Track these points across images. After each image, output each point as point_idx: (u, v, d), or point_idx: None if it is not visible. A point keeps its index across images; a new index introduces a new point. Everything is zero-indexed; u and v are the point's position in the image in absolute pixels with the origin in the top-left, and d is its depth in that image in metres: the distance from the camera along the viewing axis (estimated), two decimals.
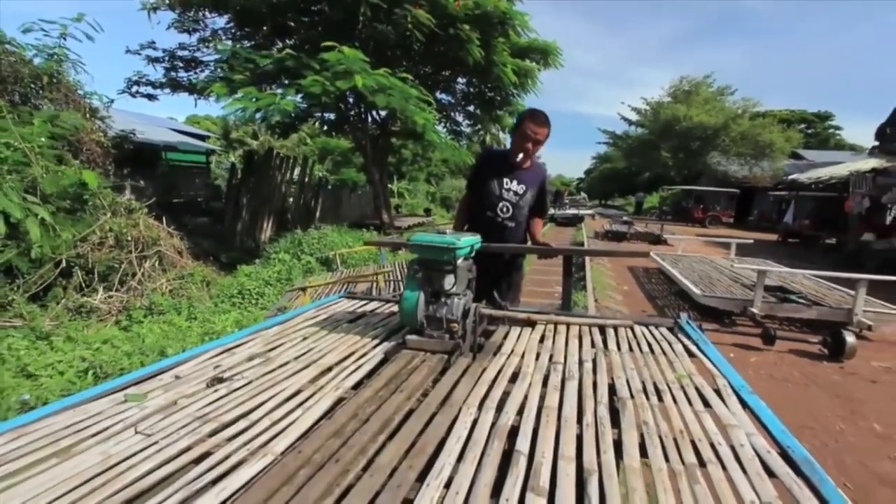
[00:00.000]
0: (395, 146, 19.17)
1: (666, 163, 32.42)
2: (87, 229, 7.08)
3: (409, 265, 2.26)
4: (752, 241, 11.27)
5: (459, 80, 15.73)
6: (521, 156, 2.99)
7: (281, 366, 2.04)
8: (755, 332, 6.01)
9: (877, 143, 15.83)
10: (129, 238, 7.70)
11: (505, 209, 3.12)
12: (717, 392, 1.81)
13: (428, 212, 28.08)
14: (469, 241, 2.35)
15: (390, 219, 17.03)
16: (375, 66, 11.20)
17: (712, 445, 1.45)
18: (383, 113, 14.90)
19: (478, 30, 12.54)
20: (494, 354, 2.20)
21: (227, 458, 1.35)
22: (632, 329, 2.56)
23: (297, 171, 16.82)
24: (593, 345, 2.33)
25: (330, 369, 2.02)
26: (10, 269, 6.15)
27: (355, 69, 10.30)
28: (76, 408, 1.64)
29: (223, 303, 7.77)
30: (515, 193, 3.11)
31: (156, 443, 1.44)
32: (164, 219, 9.20)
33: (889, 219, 10.93)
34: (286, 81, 11.50)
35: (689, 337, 2.43)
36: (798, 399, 4.33)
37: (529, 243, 3.25)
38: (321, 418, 1.62)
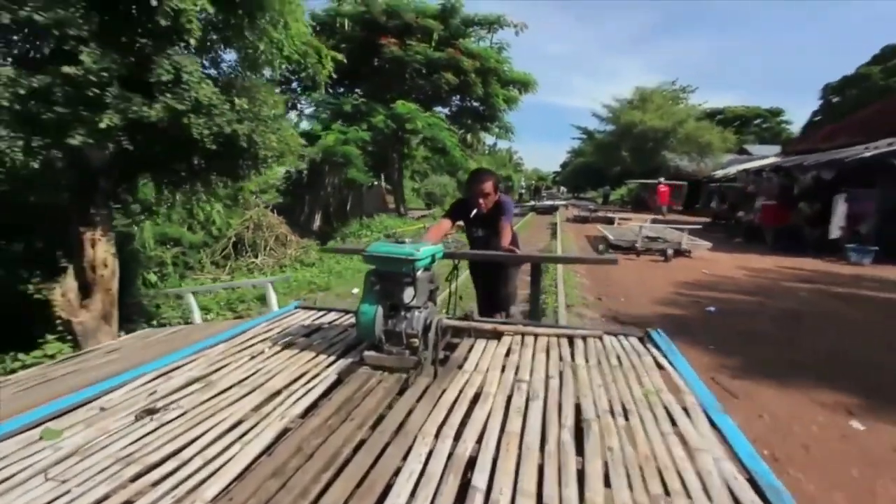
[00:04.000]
0: (409, 155, 24.90)
1: (625, 160, 38.25)
2: (242, 217, 13.01)
3: (366, 277, 2.22)
4: (688, 226, 14.71)
5: (454, 98, 23.58)
6: (478, 209, 3.76)
7: (222, 392, 1.94)
8: (634, 255, 12.18)
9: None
10: (264, 224, 13.01)
11: (479, 243, 3.93)
12: (686, 411, 1.79)
13: (429, 205, 30.17)
14: (429, 251, 2.30)
15: (406, 209, 24.31)
16: (412, 100, 19.80)
17: (679, 473, 1.44)
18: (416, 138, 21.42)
19: (480, 77, 21.02)
20: (459, 368, 2.16)
21: None
22: (601, 340, 2.55)
23: (335, 176, 21.56)
24: (561, 358, 2.31)
25: (277, 394, 1.93)
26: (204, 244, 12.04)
27: (415, 115, 18.78)
28: None
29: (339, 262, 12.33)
30: (480, 239, 3.92)
31: (68, 492, 1.32)
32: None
33: (758, 203, 16.22)
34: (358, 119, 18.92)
35: (658, 348, 2.43)
36: (643, 273, 9.86)
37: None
38: (261, 455, 1.53)
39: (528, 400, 1.87)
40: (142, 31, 5.63)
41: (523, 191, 49.25)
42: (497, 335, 2.59)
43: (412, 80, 20.64)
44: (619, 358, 2.29)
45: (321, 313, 3.02)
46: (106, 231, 6.51)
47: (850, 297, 8.05)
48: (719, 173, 25.83)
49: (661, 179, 29.43)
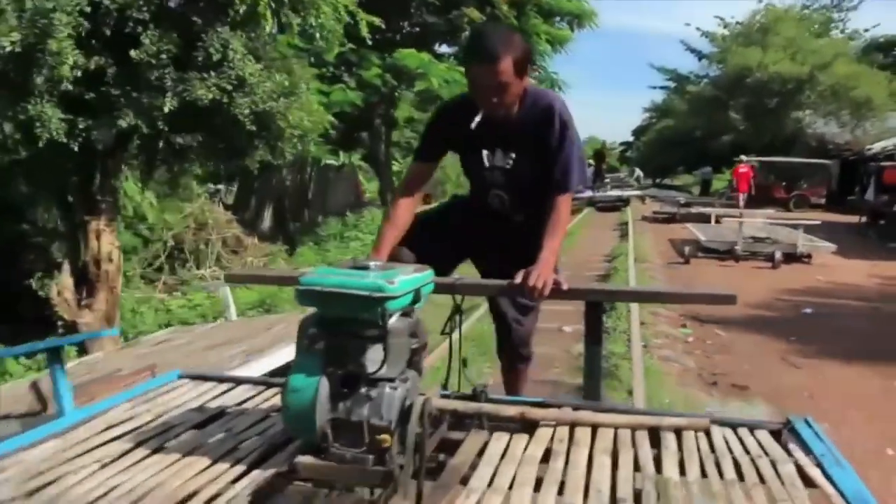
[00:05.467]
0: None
1: (736, 126, 27.65)
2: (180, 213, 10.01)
3: (301, 327, 1.42)
4: (818, 221, 12.04)
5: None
6: (488, 110, 1.96)
7: None
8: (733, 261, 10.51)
9: None
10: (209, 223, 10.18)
11: (498, 200, 2.17)
12: None
13: (426, 197, 24.14)
14: (410, 281, 1.43)
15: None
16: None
17: None
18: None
19: (514, 9, 14.33)
20: (462, 485, 1.37)
21: None
22: (707, 434, 1.68)
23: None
24: (638, 466, 1.50)
25: None
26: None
27: (428, 69, 12.83)
28: None
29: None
30: (503, 170, 2.11)
31: None
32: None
33: None
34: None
35: (806, 450, 1.57)
36: (739, 279, 8.81)
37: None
38: None
39: None
40: (196, 10, 5.67)
41: None
42: (528, 426, 1.71)
43: (420, 17, 14.58)
44: (737, 465, 1.49)
45: (223, 387, 2.05)
46: (110, 221, 6.38)
47: None
48: (877, 146, 19.08)
49: (743, 157, 22.12)
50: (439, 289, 1.80)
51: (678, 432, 1.66)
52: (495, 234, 2.23)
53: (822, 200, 22.36)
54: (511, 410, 1.68)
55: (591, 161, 30.04)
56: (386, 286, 1.32)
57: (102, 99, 5.51)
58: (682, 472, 1.46)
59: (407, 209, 2.11)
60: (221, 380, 2.15)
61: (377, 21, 9.19)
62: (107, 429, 1.69)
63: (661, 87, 42.49)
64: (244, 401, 1.94)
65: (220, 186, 15.73)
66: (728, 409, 4.18)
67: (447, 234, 2.24)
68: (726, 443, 1.61)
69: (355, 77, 12.81)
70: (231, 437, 1.62)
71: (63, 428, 1.68)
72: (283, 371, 2.96)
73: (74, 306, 6.20)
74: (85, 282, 6.30)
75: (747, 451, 1.55)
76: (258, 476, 1.38)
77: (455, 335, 1.97)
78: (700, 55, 32.87)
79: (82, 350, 5.92)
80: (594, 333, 2.04)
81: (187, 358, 4.36)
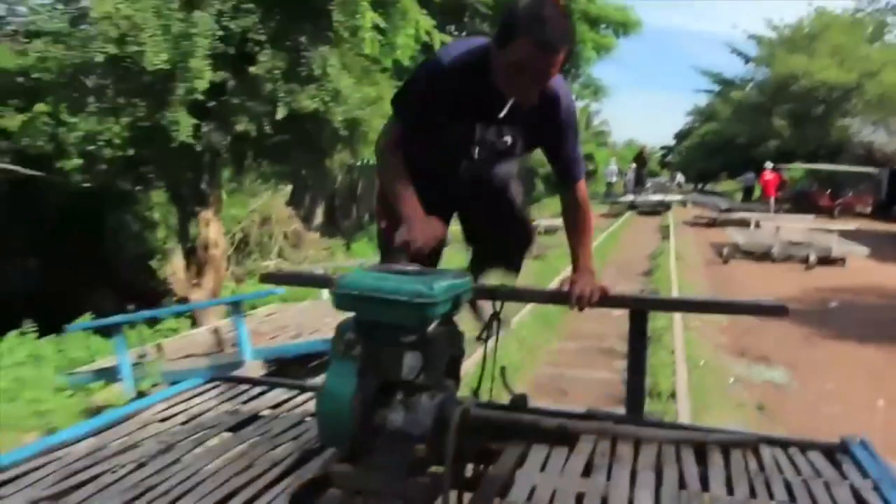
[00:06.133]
0: None
1: (781, 133, 26.88)
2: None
3: (338, 333, 1.35)
4: (853, 227, 12.34)
5: None
6: (520, 98, 1.66)
7: None
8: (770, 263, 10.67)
9: None
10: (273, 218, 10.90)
11: (469, 174, 1.88)
12: None
13: None
14: (452, 286, 1.34)
15: None
16: None
17: None
18: None
19: None
20: (500, 497, 1.35)
21: None
22: (755, 452, 1.60)
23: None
24: (683, 483, 1.44)
25: None
26: None
27: None
28: None
29: None
30: (492, 148, 1.81)
31: None
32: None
33: None
34: None
35: (862, 471, 1.49)
36: (774, 277, 9.45)
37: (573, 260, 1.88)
38: None
39: None
40: (303, 31, 6.76)
41: (613, 178, 30.33)
42: (567, 438, 1.64)
43: (472, 25, 14.93)
44: (789, 487, 1.43)
45: (258, 389, 1.99)
46: (217, 212, 7.11)
47: None
48: None
49: (769, 164, 21.65)
50: (479, 296, 1.74)
51: (725, 449, 1.57)
52: (462, 195, 1.96)
53: (869, 209, 21.56)
54: (550, 423, 1.63)
55: (633, 164, 30.46)
56: (427, 291, 1.24)
57: (222, 107, 6.32)
58: (730, 491, 1.38)
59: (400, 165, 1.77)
60: (255, 382, 2.09)
61: (448, 39, 9.51)
62: (137, 429, 1.65)
63: (706, 91, 40.58)
64: (280, 402, 1.88)
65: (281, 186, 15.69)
66: (752, 371, 4.98)
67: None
68: (776, 462, 1.52)
69: None
70: (266, 441, 1.59)
71: (94, 427, 1.67)
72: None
73: (187, 284, 7.38)
74: (195, 263, 7.18)
75: (799, 472, 1.47)
76: (294, 481, 1.37)
77: (491, 342, 1.82)
78: (747, 58, 31.37)
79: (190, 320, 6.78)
80: (639, 341, 1.92)
81: (314, 321, 5.06)
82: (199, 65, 5.78)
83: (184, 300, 6.77)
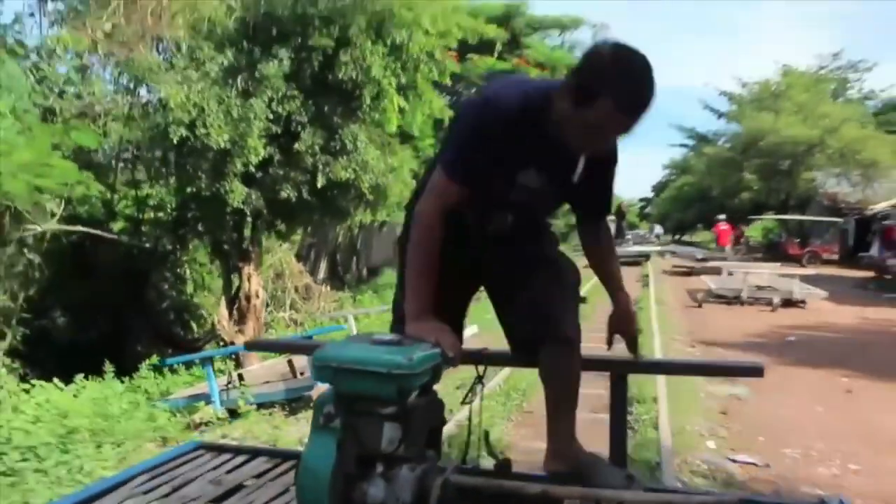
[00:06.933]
0: None
1: (750, 186, 28.33)
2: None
3: (317, 404, 1.35)
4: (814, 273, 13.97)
5: None
6: (588, 153, 1.55)
7: None
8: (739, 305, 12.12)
9: None
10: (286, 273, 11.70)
11: (499, 224, 1.69)
12: None
13: None
14: (429, 357, 1.35)
15: None
16: None
17: None
18: None
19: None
20: None
21: None
22: None
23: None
24: None
25: None
26: None
27: None
28: None
29: None
30: (529, 191, 1.60)
31: None
32: None
33: None
34: None
35: None
36: (742, 319, 10.71)
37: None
38: None
39: None
40: (337, 113, 8.14)
41: None
42: (552, 503, 1.59)
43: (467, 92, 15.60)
44: None
45: (242, 458, 1.99)
46: (258, 266, 8.27)
47: None
48: (880, 206, 20.04)
49: (722, 216, 24.77)
50: (464, 360, 1.65)
51: None
52: (490, 258, 1.75)
53: (835, 256, 22.98)
54: (535, 488, 1.54)
55: (613, 217, 32.68)
56: (404, 363, 1.24)
57: (268, 177, 7.58)
58: None
59: (432, 232, 1.54)
60: (239, 450, 2.08)
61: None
62: (126, 500, 1.63)
63: (682, 145, 42.90)
64: (262, 471, 1.87)
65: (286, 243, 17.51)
66: (718, 388, 5.98)
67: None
68: None
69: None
70: None
71: (87, 496, 1.67)
72: None
73: (231, 330, 8.46)
74: (238, 312, 8.20)
75: None
76: None
77: (476, 402, 1.80)
78: (719, 114, 33.39)
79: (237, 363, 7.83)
80: (619, 402, 1.93)
81: None
82: (255, 143, 7.02)
83: (230, 343, 7.70)
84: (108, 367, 6.45)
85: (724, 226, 24.32)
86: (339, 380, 1.30)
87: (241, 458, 1.96)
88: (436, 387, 1.44)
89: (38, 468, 4.09)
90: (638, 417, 4.88)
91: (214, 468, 1.87)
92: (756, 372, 1.94)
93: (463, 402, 1.83)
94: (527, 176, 1.57)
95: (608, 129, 1.42)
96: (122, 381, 6.56)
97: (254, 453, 2.02)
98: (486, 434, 1.81)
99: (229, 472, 1.85)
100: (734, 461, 4.31)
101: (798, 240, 24.48)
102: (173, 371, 7.09)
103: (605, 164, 1.65)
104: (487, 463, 1.68)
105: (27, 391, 5.53)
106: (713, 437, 4.69)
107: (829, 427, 4.97)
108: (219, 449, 2.07)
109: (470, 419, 1.79)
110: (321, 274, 16.05)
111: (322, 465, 1.25)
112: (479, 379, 1.81)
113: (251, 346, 4.93)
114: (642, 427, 4.75)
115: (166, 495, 1.66)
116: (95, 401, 5.48)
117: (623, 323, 1.77)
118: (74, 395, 5.50)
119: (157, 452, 4.85)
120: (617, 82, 1.32)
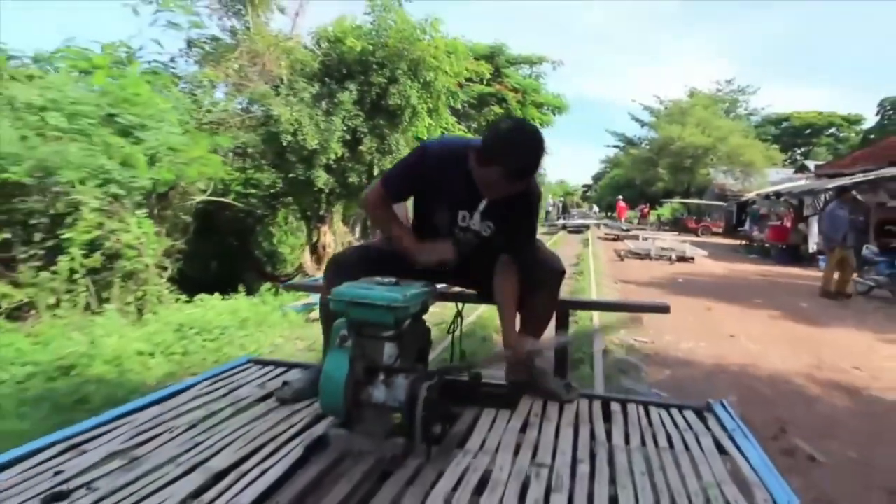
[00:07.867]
0: None
1: (663, 178, 29.33)
2: None
3: (333, 328, 1.39)
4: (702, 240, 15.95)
5: None
6: (491, 198, 1.58)
7: (151, 471, 1.21)
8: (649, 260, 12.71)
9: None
10: None
11: (469, 247, 1.71)
12: None
13: None
14: (420, 294, 1.41)
15: None
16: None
17: None
18: None
19: (520, 105, 16.31)
20: (459, 447, 1.37)
21: None
22: (646, 410, 1.66)
23: None
24: (593, 436, 1.47)
25: (223, 475, 1.21)
26: None
27: None
28: None
29: None
30: (477, 234, 1.68)
31: None
32: None
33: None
34: None
35: (722, 426, 1.56)
36: (651, 269, 11.23)
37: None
38: None
39: (548, 491, 1.19)
40: (383, 121, 8.41)
41: (550, 208, 35.42)
42: (510, 402, 1.65)
43: (465, 112, 16.13)
44: (669, 438, 1.49)
45: (281, 369, 1.99)
46: (330, 226, 9.24)
47: (778, 282, 9.83)
48: (749, 195, 21.40)
49: (620, 197, 29.98)
50: (445, 296, 1.83)
51: (624, 408, 1.65)
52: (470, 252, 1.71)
53: (721, 230, 24.30)
54: (499, 391, 1.68)
55: (562, 198, 37.44)
56: (400, 298, 1.31)
57: (340, 167, 8.31)
58: (627, 441, 1.44)
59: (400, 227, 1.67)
60: (279, 364, 2.05)
61: (463, 129, 11.69)
62: (191, 399, 1.66)
63: (614, 146, 43.89)
64: (298, 379, 1.80)
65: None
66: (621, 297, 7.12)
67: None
68: (661, 418, 1.61)
69: None
70: (287, 407, 1.62)
71: (158, 397, 1.67)
72: None
73: (313, 268, 9.50)
74: (315, 256, 9.23)
75: (677, 426, 1.55)
76: (309, 435, 1.42)
77: (457, 333, 1.93)
78: (642, 123, 34.62)
79: None
80: (562, 330, 1.96)
81: None
82: (334, 146, 7.85)
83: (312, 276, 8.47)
84: (241, 290, 7.17)
85: (622, 203, 27.61)
86: (350, 310, 1.33)
87: (280, 370, 1.99)
88: (425, 316, 1.51)
89: (228, 339, 5.01)
90: (579, 319, 5.62)
91: (260, 377, 1.90)
92: (664, 310, 2.15)
93: (448, 332, 1.95)
94: (468, 218, 1.64)
95: (501, 187, 1.47)
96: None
97: (290, 366, 2.02)
98: (463, 353, 1.92)
99: (271, 379, 1.88)
100: (635, 340, 5.31)
101: (695, 217, 25.76)
102: (277, 294, 7.72)
103: (520, 212, 1.62)
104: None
105: (190, 301, 6.12)
106: (624, 329, 5.49)
107: (693, 327, 5.87)
108: (264, 363, 2.08)
109: (452, 343, 1.91)
110: (356, 235, 17.64)
111: (338, 374, 1.30)
112: (459, 313, 1.92)
113: (288, 286, 4.74)
114: (583, 321, 5.55)
115: (224, 395, 1.70)
116: (244, 308, 6.31)
117: (519, 372, 1.70)
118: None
119: (290, 334, 5.88)
120: (507, 153, 1.39)
